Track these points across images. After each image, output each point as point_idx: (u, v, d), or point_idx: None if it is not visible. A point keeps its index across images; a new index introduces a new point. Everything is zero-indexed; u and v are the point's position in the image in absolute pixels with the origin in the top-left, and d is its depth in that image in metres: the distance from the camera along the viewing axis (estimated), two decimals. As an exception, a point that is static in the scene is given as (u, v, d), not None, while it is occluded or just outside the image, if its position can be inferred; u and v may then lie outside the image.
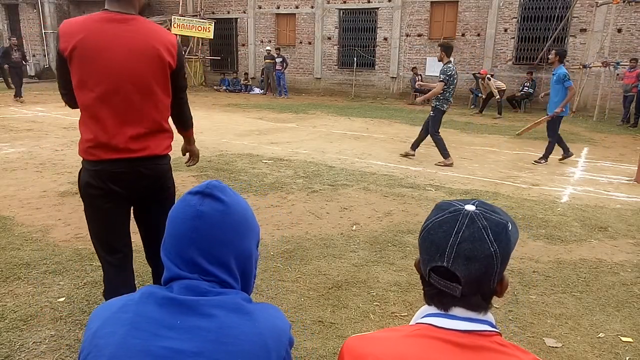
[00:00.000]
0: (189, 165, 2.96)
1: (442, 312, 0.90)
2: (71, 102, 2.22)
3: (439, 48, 7.11)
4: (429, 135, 7.39)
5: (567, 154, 7.68)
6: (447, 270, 0.87)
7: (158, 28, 2.26)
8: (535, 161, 7.63)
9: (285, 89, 17.61)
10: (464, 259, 0.86)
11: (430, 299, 0.93)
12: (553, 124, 7.48)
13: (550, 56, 7.64)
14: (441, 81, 7.06)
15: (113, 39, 2.07)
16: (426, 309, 0.94)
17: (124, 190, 2.21)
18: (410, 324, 0.96)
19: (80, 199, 2.31)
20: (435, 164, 7.28)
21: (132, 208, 2.37)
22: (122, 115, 2.12)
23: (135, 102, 2.14)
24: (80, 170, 2.26)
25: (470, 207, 0.90)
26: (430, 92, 7.25)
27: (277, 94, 17.86)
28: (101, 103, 2.09)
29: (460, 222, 0.87)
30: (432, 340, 0.86)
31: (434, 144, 7.41)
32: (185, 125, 2.62)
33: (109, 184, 2.17)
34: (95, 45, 2.04)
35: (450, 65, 7.07)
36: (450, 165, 7.20)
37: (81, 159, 2.22)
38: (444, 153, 7.27)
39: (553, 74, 7.47)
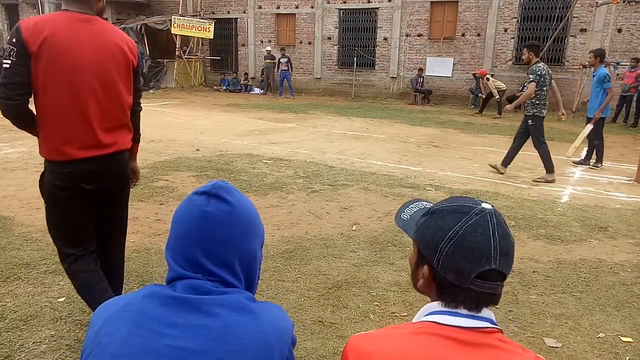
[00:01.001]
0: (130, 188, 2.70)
1: (449, 309, 0.90)
2: (15, 108, 2.08)
3: (525, 49, 6.49)
4: (521, 146, 6.72)
5: (586, 161, 7.63)
6: (494, 271, 0.87)
7: (118, 29, 2.36)
8: (592, 166, 7.50)
9: (291, 89, 17.51)
10: (505, 256, 0.88)
11: (459, 303, 0.90)
12: (596, 127, 7.37)
13: (589, 59, 7.42)
14: (532, 81, 6.33)
15: (81, 37, 2.12)
16: (430, 306, 0.94)
17: (93, 188, 2.29)
18: (413, 321, 0.96)
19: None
20: (534, 180, 6.51)
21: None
22: (90, 111, 2.18)
23: (101, 99, 2.20)
24: (43, 173, 2.27)
25: (487, 205, 0.91)
26: (523, 95, 6.45)
27: (277, 94, 17.81)
28: (69, 100, 2.13)
29: (491, 221, 0.88)
30: (436, 337, 0.86)
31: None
32: (134, 136, 2.53)
33: (80, 184, 2.23)
34: (64, 42, 2.07)
35: (540, 64, 6.37)
36: (552, 181, 6.43)
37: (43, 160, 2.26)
38: (549, 166, 6.49)
39: (593, 76, 7.33)
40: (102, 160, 2.26)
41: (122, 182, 2.46)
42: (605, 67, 7.33)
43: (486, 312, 0.91)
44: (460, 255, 0.87)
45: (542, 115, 6.45)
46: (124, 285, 3.19)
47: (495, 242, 0.87)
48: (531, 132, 6.56)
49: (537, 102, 6.39)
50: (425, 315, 0.93)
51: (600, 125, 7.39)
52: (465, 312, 0.89)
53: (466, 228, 0.88)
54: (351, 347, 0.93)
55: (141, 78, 17.54)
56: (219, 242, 0.95)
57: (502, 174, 6.73)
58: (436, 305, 0.93)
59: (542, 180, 6.47)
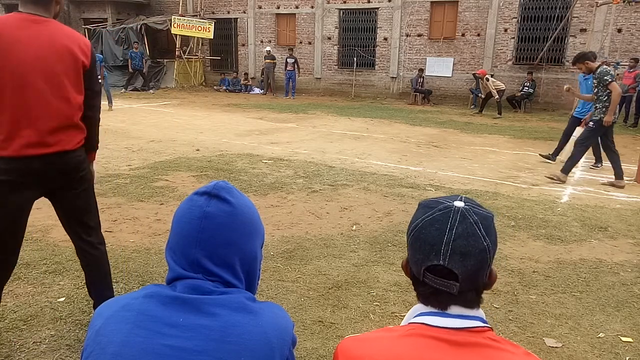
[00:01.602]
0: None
1: (436, 310, 0.90)
2: None
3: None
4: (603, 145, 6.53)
5: (553, 157, 7.67)
6: (443, 268, 0.86)
7: (72, 31, 2.38)
8: (591, 166, 7.48)
9: (293, 90, 17.50)
10: (459, 255, 0.86)
11: (425, 299, 0.92)
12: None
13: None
14: (611, 82, 6.06)
15: (26, 36, 2.17)
16: (418, 308, 0.94)
17: (35, 183, 2.29)
18: (402, 323, 0.96)
19: None
20: (546, 176, 6.50)
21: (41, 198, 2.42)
22: (34, 109, 2.20)
23: (46, 97, 2.22)
24: None
25: (459, 203, 0.90)
26: (612, 100, 6.03)
27: (282, 94, 17.74)
28: (12, 96, 2.16)
29: (452, 218, 0.87)
30: (426, 339, 0.86)
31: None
32: (90, 145, 2.50)
33: (21, 177, 2.24)
34: (8, 40, 2.12)
35: (604, 67, 6.23)
36: (563, 182, 6.33)
37: None
38: (568, 168, 6.38)
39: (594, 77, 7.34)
40: (47, 159, 2.26)
41: (75, 181, 2.41)
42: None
43: (476, 311, 0.91)
44: (416, 247, 0.90)
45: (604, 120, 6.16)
46: (124, 285, 3.20)
47: (449, 239, 0.86)
48: (585, 129, 6.41)
49: (605, 106, 6.13)
50: (415, 317, 0.93)
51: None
52: (454, 312, 0.89)
53: (425, 221, 0.89)
54: (342, 351, 0.93)
55: (141, 78, 17.12)
56: (220, 242, 0.95)
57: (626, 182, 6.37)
58: (423, 307, 0.93)
59: (555, 178, 6.39)
